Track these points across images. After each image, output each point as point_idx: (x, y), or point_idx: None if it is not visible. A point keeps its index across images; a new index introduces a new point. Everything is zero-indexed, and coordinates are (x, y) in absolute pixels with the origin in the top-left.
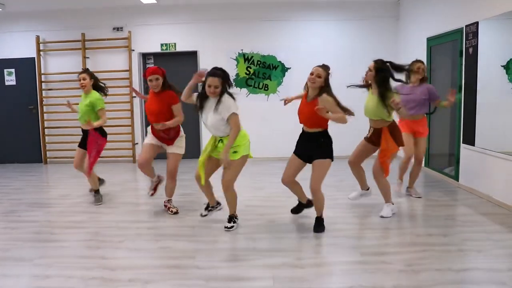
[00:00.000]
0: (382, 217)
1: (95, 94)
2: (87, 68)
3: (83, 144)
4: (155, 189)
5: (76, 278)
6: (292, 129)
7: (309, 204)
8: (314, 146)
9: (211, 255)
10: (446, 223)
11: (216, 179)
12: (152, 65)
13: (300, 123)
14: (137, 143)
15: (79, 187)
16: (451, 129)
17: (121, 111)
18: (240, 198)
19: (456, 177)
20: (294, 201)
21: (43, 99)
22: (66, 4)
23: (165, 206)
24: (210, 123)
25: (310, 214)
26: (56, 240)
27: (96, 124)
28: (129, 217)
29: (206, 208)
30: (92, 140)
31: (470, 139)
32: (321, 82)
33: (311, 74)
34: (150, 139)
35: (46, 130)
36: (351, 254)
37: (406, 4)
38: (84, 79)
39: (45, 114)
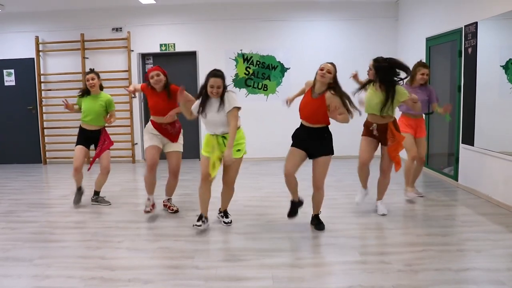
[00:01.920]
0: (384, 215)
1: (107, 95)
2: (93, 68)
3: (86, 143)
4: (153, 205)
5: (75, 278)
6: (291, 129)
7: (300, 202)
8: (317, 143)
9: (210, 255)
10: (445, 223)
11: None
12: (152, 65)
13: (302, 118)
14: (136, 143)
15: None
16: (451, 129)
17: (121, 111)
18: (239, 199)
19: (455, 177)
20: None
21: (43, 99)
22: (65, 5)
23: (165, 205)
24: (213, 121)
25: (308, 214)
26: (55, 240)
27: (113, 119)
28: (129, 217)
29: (200, 219)
30: (106, 137)
31: (469, 139)
32: (330, 78)
33: (321, 69)
34: (152, 140)
35: (45, 130)
36: (350, 254)
37: (405, 4)
38: (93, 79)
39: (44, 115)
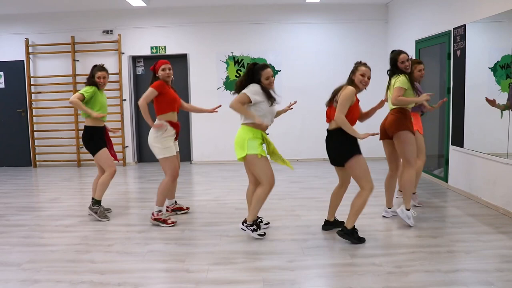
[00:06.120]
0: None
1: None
2: (103, 64)
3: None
4: (158, 219)
5: (65, 282)
6: (281, 131)
7: (336, 223)
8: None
9: (201, 259)
10: (435, 224)
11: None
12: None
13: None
14: (127, 146)
15: (69, 190)
16: (440, 131)
17: (111, 114)
18: (229, 201)
19: (445, 179)
20: (284, 203)
21: (32, 102)
22: (56, 7)
23: (177, 209)
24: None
25: (301, 218)
26: (45, 244)
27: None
28: (119, 220)
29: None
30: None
31: (458, 141)
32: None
33: (363, 75)
34: (173, 147)
35: (35, 133)
36: (341, 256)
37: (395, 7)
38: (104, 77)
39: (34, 117)
